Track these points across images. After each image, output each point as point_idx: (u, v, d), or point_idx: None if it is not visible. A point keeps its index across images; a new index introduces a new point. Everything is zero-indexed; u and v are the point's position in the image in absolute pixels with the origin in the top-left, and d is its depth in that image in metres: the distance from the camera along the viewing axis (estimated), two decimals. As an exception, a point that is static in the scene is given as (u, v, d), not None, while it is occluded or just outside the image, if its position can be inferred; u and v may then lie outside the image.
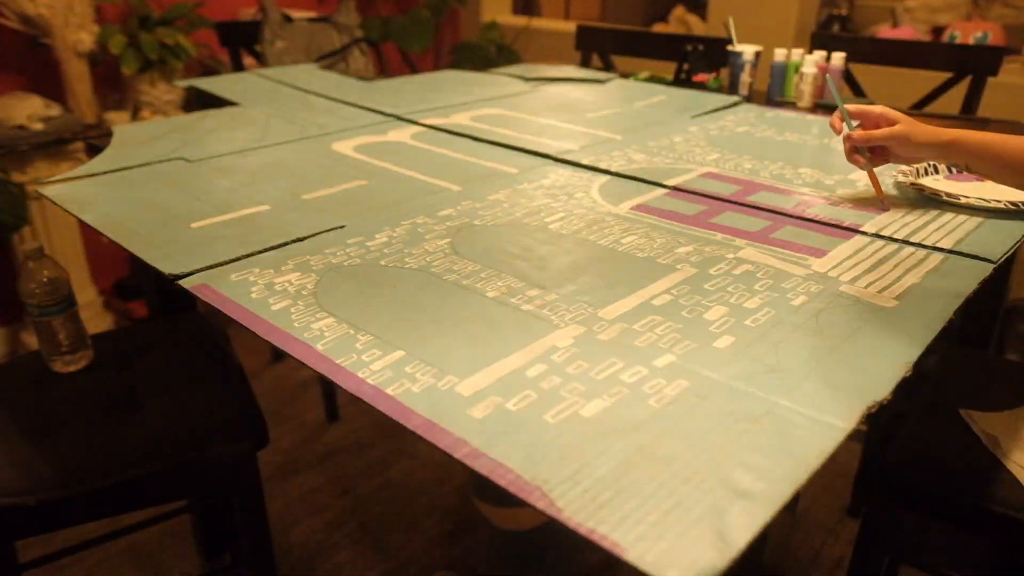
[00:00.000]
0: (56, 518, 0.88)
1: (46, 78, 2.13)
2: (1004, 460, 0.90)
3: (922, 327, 0.67)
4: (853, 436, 0.53)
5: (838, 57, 1.60)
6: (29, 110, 1.96)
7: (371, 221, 0.93)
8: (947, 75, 1.72)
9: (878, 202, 0.94)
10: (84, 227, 0.97)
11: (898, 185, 1.04)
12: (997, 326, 1.68)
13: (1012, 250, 0.84)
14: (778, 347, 0.64)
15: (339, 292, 0.75)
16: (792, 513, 0.78)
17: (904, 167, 1.08)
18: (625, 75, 1.90)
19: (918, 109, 1.72)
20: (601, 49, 2.17)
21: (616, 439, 0.52)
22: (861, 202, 0.97)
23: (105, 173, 1.12)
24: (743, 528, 0.44)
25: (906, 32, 2.60)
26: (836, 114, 0.98)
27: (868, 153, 0.96)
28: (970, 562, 0.93)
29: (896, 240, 0.86)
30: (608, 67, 2.14)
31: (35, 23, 2.01)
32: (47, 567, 1.05)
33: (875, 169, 0.96)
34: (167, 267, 0.80)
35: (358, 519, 1.60)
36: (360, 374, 0.60)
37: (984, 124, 1.43)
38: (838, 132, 0.97)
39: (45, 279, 0.99)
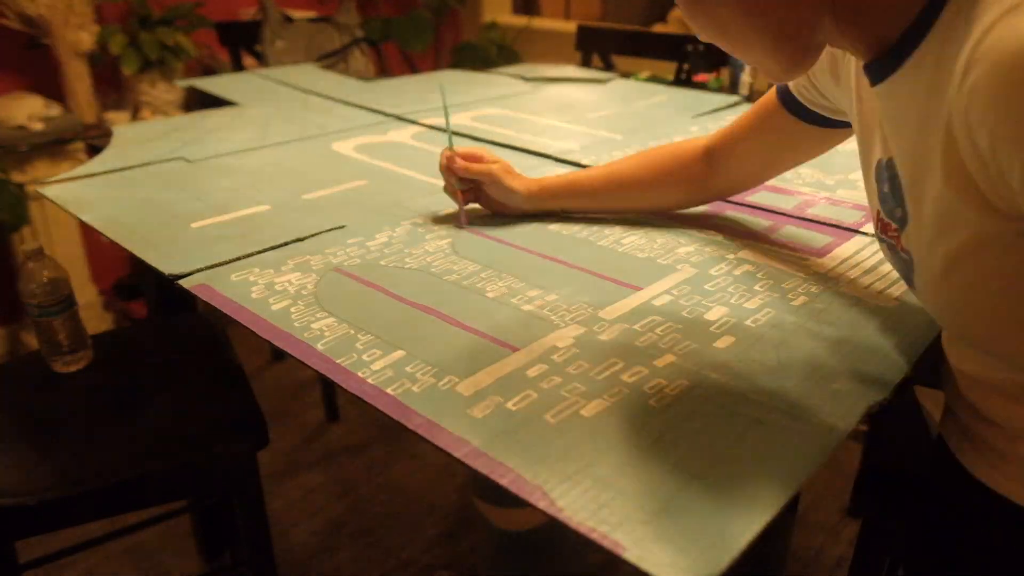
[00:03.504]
0: (56, 518, 0.88)
1: (46, 78, 2.13)
2: (934, 434, 0.93)
3: (923, 327, 0.67)
4: (853, 436, 0.53)
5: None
6: (29, 110, 1.96)
7: (371, 221, 0.93)
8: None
9: (458, 216, 0.92)
10: (84, 227, 0.98)
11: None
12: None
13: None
14: (778, 347, 0.64)
15: (339, 292, 0.75)
16: (792, 513, 0.78)
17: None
18: (625, 75, 1.90)
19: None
20: (601, 49, 2.17)
21: (616, 439, 0.52)
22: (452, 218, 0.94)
23: (105, 173, 1.12)
24: (743, 528, 0.44)
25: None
26: (445, 154, 0.91)
27: (461, 182, 0.92)
28: (971, 563, 0.93)
29: (896, 240, 0.86)
30: (608, 67, 2.14)
31: (35, 23, 2.01)
32: (47, 567, 1.05)
33: (464, 207, 0.92)
34: (167, 267, 0.80)
35: (358, 519, 1.60)
36: (360, 374, 0.60)
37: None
38: (443, 164, 0.91)
39: (45, 279, 0.99)
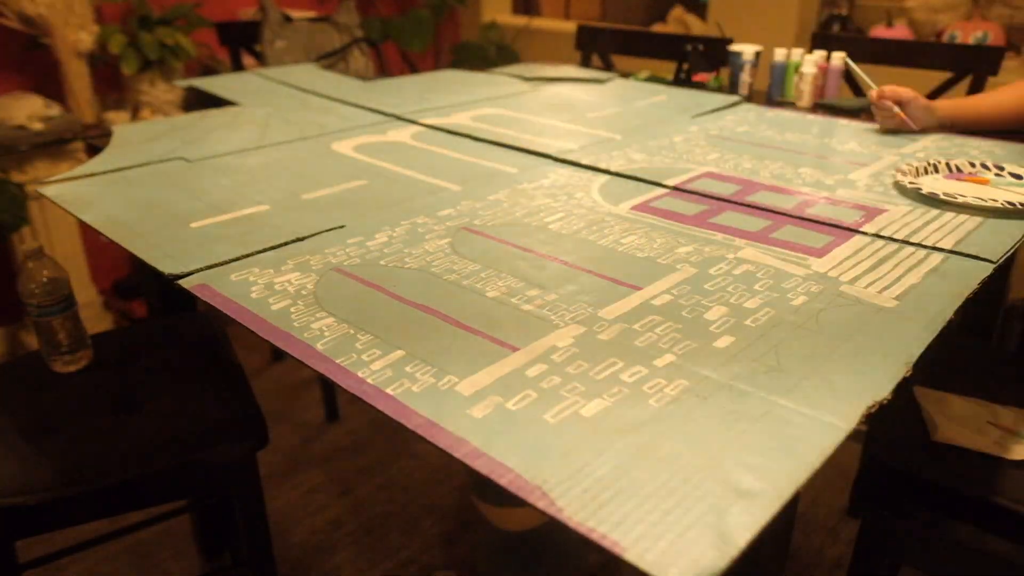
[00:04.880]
0: (56, 518, 0.88)
1: (46, 78, 2.13)
2: (933, 434, 0.94)
3: (922, 327, 0.67)
4: (853, 436, 0.53)
5: (838, 57, 1.60)
6: (29, 110, 1.96)
7: (371, 221, 0.93)
8: (947, 75, 1.72)
9: (907, 125, 1.33)
10: (84, 227, 0.98)
11: (897, 185, 1.04)
12: (998, 326, 1.68)
13: (1012, 250, 0.84)
14: (778, 347, 0.64)
15: (339, 292, 0.75)
16: (792, 513, 0.78)
17: (903, 166, 1.08)
18: (625, 75, 1.90)
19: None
20: (601, 49, 2.17)
21: (616, 439, 0.52)
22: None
23: (105, 173, 1.12)
24: (743, 528, 0.44)
25: (900, 32, 2.60)
26: (873, 92, 1.35)
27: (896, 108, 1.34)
28: (970, 564, 0.93)
29: (896, 240, 0.86)
30: (608, 67, 2.14)
31: (35, 23, 2.01)
32: (47, 567, 1.05)
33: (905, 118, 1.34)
34: (167, 267, 0.80)
35: (358, 519, 1.60)
36: (360, 374, 0.60)
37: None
38: (874, 97, 1.34)
39: (45, 279, 0.99)
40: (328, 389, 1.93)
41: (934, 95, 1.74)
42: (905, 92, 1.32)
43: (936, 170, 1.11)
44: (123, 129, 1.37)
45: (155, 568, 1.48)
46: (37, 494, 0.85)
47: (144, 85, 2.18)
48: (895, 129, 1.34)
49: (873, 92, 1.35)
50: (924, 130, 1.34)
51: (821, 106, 1.59)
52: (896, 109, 1.32)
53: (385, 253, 0.84)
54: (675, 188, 1.05)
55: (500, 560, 1.45)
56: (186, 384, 1.05)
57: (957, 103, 1.35)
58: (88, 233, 2.18)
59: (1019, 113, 1.31)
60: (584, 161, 1.17)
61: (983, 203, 0.95)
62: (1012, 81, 1.38)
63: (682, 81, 1.83)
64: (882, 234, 0.88)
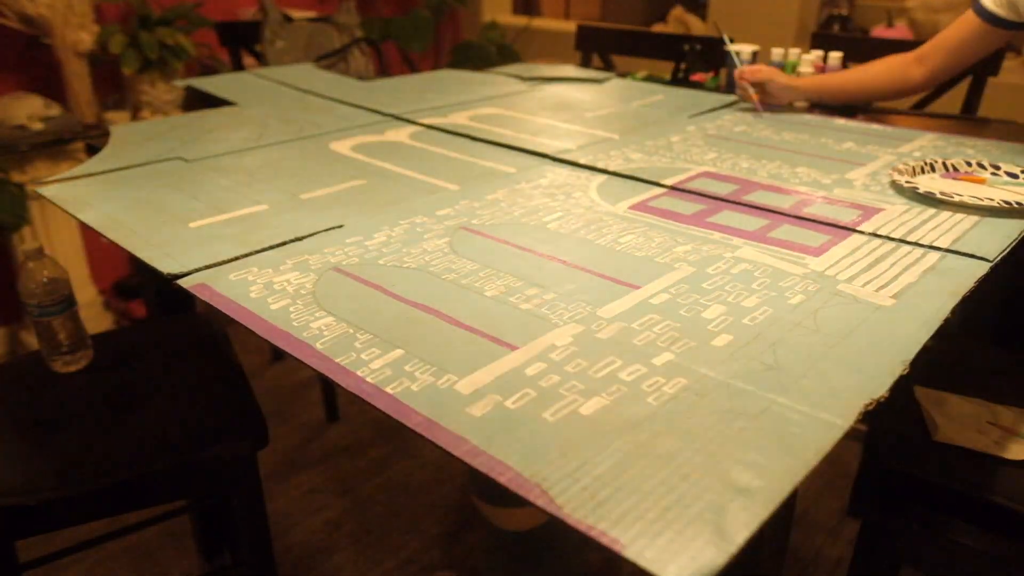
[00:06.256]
0: (56, 518, 0.88)
1: (46, 78, 2.14)
2: (933, 434, 0.95)
3: (919, 326, 0.67)
4: (853, 436, 0.53)
5: (835, 56, 1.60)
6: (29, 110, 1.96)
7: (369, 220, 0.94)
8: (946, 75, 1.72)
9: (755, 107, 1.47)
10: (84, 227, 0.98)
11: (894, 184, 1.04)
12: (998, 326, 1.68)
13: (1008, 249, 0.84)
14: (776, 345, 0.64)
15: (338, 291, 0.75)
16: (790, 511, 0.79)
17: (900, 165, 1.09)
18: (623, 75, 1.90)
19: (919, 109, 1.72)
20: (601, 49, 2.18)
21: (615, 437, 0.53)
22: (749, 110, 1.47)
23: (103, 173, 1.12)
24: (742, 525, 0.44)
25: (900, 32, 2.61)
26: (737, 71, 1.47)
27: (752, 86, 1.47)
28: (970, 564, 0.93)
29: (893, 239, 0.86)
30: (608, 67, 2.14)
31: (35, 23, 2.01)
32: (47, 567, 1.05)
33: (756, 102, 1.47)
34: (166, 267, 0.80)
35: (358, 519, 1.60)
36: (359, 373, 0.61)
37: (984, 124, 1.43)
38: (737, 76, 1.46)
39: (45, 279, 0.99)
40: (328, 389, 1.93)
41: (934, 95, 1.74)
42: (764, 72, 1.44)
43: (932, 169, 1.11)
44: (121, 129, 1.37)
45: (155, 568, 1.48)
46: (37, 494, 0.85)
47: (144, 85, 2.18)
48: (750, 106, 1.49)
49: (737, 71, 1.48)
50: (788, 104, 1.50)
51: (818, 105, 1.59)
52: (751, 91, 1.44)
53: (384, 252, 0.84)
54: (673, 187, 1.06)
55: (500, 560, 1.45)
56: (186, 384, 1.05)
57: (822, 80, 1.46)
58: (88, 233, 2.18)
59: (879, 88, 1.41)
60: (582, 161, 1.17)
61: (979, 202, 0.95)
62: (1012, 81, 1.39)
63: (680, 81, 1.83)
64: (879, 233, 0.88)
